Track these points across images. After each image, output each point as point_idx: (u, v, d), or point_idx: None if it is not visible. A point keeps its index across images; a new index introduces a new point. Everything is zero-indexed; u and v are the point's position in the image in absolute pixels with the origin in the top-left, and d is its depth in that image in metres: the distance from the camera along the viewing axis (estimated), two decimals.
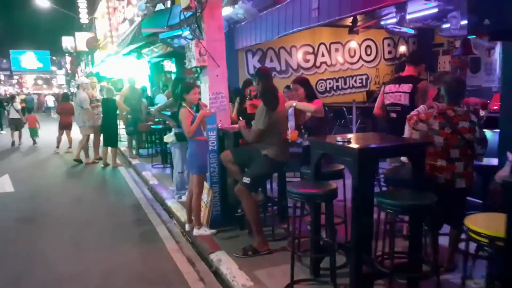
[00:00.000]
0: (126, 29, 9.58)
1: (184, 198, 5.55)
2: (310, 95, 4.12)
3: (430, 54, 10.81)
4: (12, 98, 15.27)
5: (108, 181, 7.56)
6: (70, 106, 10.67)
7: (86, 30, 20.51)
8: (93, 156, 9.29)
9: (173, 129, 5.45)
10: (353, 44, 10.32)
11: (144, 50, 11.62)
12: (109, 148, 8.72)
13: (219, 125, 4.61)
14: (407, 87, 3.97)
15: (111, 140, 8.53)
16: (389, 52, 10.82)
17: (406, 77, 4.07)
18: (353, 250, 2.76)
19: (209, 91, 4.66)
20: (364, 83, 10.65)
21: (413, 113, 3.32)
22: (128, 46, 9.03)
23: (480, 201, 3.81)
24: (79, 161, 9.15)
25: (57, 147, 10.94)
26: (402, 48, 10.52)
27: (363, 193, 2.65)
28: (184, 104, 4.14)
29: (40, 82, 72.38)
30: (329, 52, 10.08)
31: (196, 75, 8.41)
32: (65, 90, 40.95)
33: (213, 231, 4.29)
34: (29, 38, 66.37)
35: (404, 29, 6.67)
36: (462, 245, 3.39)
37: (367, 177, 2.71)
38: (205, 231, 4.28)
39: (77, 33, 19.93)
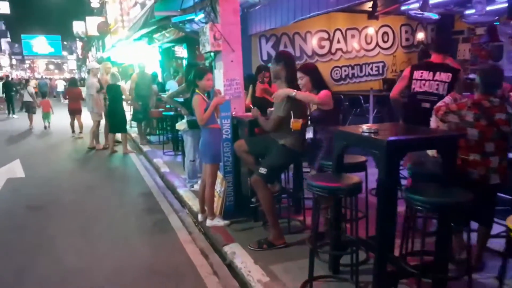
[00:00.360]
0: (138, 13, 9.37)
1: (196, 187, 5.43)
2: (318, 85, 3.60)
3: (449, 42, 10.46)
4: (26, 81, 15.62)
5: (119, 168, 7.47)
6: (78, 91, 10.65)
7: (97, 15, 20.32)
8: (103, 142, 9.22)
9: (185, 117, 5.30)
10: (370, 31, 9.98)
11: (156, 35, 11.43)
12: (119, 135, 8.62)
13: (233, 113, 4.45)
14: (446, 76, 3.65)
15: (119, 126, 8.41)
16: (407, 39, 10.47)
17: (442, 65, 3.74)
18: (377, 247, 2.60)
19: (223, 77, 4.49)
20: (380, 71, 10.34)
21: (440, 104, 3.10)
22: (140, 30, 8.84)
23: (510, 197, 3.62)
24: (93, 148, 9.07)
25: (73, 131, 11.01)
26: (420, 35, 10.15)
27: (389, 187, 2.47)
28: (197, 90, 3.96)
29: (51, 67, 72.79)
30: (345, 38, 9.78)
31: (209, 61, 8.25)
32: (76, 75, 41.07)
33: (227, 222, 4.16)
34: (41, 23, 66.54)
35: (427, 14, 6.34)
36: (491, 243, 3.26)
37: (394, 171, 2.53)
38: (218, 222, 4.15)
39: (88, 18, 19.76)
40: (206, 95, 4.26)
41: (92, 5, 18.14)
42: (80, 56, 48.27)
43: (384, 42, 10.19)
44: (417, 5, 6.09)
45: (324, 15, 7.87)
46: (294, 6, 6.63)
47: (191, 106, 4.13)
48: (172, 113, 7.79)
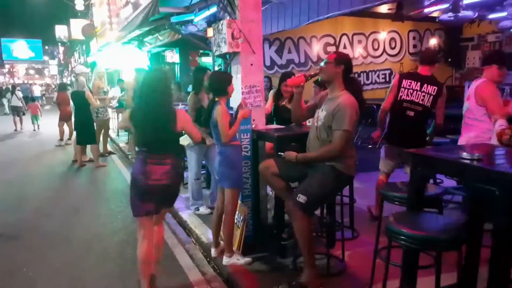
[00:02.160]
0: (129, 14, 8.59)
1: (202, 210, 4.68)
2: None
3: (457, 49, 10.00)
4: (13, 87, 16.27)
5: (109, 185, 6.63)
6: (66, 96, 9.86)
7: (82, 17, 19.36)
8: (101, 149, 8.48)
9: None
10: (377, 36, 9.45)
11: (147, 38, 10.66)
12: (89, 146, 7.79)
13: (253, 126, 3.73)
14: (432, 89, 3.86)
15: (87, 137, 7.53)
16: (414, 46, 9.98)
17: (428, 78, 3.92)
18: None
19: (242, 83, 3.77)
20: (387, 79, 9.81)
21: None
22: (134, 31, 8.07)
23: None
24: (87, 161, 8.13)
25: (61, 139, 10.33)
26: (433, 41, 9.65)
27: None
28: (217, 99, 3.22)
29: (32, 72, 70.64)
30: (351, 43, 9.21)
31: (218, 63, 7.51)
32: (58, 81, 39.80)
33: (248, 259, 3.41)
34: (21, 26, 64.70)
35: (462, 15, 5.75)
36: None
37: None
38: (238, 259, 3.39)
39: (72, 20, 18.76)
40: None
41: (77, 7, 17.16)
42: (62, 61, 46.81)
43: (392, 48, 9.67)
44: (444, 6, 5.48)
45: (330, 19, 7.26)
46: (308, 6, 5.98)
47: (203, 118, 3.41)
48: None
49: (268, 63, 8.37)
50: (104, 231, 4.50)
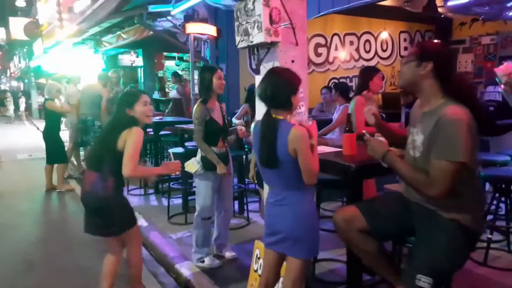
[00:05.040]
0: (87, 7, 7.11)
1: (208, 261, 3.43)
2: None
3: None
4: None
5: (73, 221, 5.13)
6: None
7: (23, 16, 17.14)
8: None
9: (198, 152, 3.32)
10: (369, 37, 8.63)
11: (106, 38, 9.15)
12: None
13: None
14: None
15: (54, 155, 6.16)
16: (405, 49, 9.27)
17: None
18: None
19: None
20: None
21: None
22: (95, 27, 6.64)
23: None
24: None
25: None
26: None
27: None
28: (278, 116, 2.00)
29: None
30: (343, 45, 8.29)
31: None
32: None
33: None
34: None
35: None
36: None
37: None
38: None
39: (11, 19, 16.49)
40: None
41: (17, 3, 15.07)
42: None
43: (383, 51, 8.89)
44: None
45: (320, 17, 6.27)
46: None
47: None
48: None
49: (254, 65, 7.25)
50: None
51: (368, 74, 3.88)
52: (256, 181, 3.77)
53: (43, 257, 3.93)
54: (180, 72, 15.46)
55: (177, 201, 5.10)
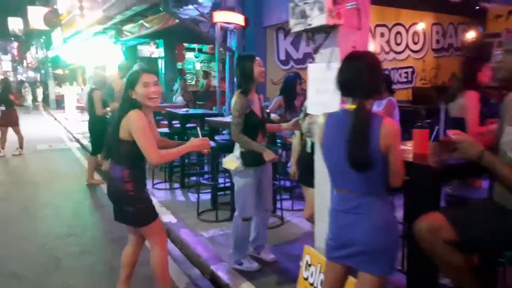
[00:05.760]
0: None
1: (246, 264, 3.20)
2: None
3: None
4: None
5: (101, 216, 4.96)
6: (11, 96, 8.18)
7: (41, 5, 17.04)
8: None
9: (236, 148, 3.07)
10: (400, 29, 8.26)
11: (128, 26, 8.93)
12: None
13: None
14: None
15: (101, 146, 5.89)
16: (437, 42, 8.87)
17: None
18: None
19: None
20: (409, 78, 8.63)
21: None
22: (119, 15, 6.41)
23: None
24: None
25: (2, 147, 8.34)
26: (471, 34, 8.57)
27: None
28: (365, 104, 1.73)
29: None
30: (373, 36, 7.95)
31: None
32: (12, 78, 36.51)
33: None
34: None
35: None
36: None
37: None
38: None
39: (30, 8, 16.39)
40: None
41: None
42: (16, 58, 42.98)
43: (415, 43, 8.51)
44: None
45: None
46: None
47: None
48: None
49: (283, 56, 7.00)
50: None
51: (475, 64, 3.27)
52: (297, 179, 3.50)
53: (70, 253, 3.74)
54: (199, 65, 15.23)
55: (204, 196, 4.87)
